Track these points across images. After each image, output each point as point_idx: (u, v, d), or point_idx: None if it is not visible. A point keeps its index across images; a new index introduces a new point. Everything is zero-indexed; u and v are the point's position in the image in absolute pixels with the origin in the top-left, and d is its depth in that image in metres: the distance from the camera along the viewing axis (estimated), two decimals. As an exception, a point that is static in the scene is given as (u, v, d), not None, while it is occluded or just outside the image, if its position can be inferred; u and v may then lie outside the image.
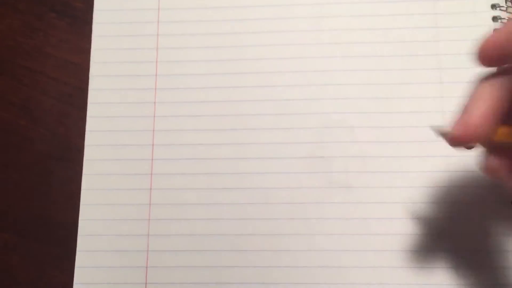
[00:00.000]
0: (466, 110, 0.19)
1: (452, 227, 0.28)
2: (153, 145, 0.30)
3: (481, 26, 0.30)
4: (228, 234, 0.29)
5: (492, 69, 0.20)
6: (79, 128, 0.31)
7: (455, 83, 0.29)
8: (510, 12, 0.30)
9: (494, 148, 0.20)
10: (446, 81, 0.30)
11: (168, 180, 0.30)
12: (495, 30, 0.21)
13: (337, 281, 0.28)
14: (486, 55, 0.19)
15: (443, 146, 0.20)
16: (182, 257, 0.29)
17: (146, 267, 0.29)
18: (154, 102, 0.31)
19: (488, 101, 0.19)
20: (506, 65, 0.19)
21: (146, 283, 0.29)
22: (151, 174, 0.30)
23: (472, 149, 0.20)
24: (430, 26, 0.31)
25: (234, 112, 0.31)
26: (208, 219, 0.29)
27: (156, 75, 0.31)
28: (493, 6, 0.30)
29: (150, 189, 0.30)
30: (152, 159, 0.30)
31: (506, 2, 0.30)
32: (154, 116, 0.31)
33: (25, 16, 0.33)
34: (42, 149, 0.31)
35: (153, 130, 0.31)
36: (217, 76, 0.31)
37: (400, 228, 0.28)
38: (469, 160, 0.28)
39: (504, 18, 0.30)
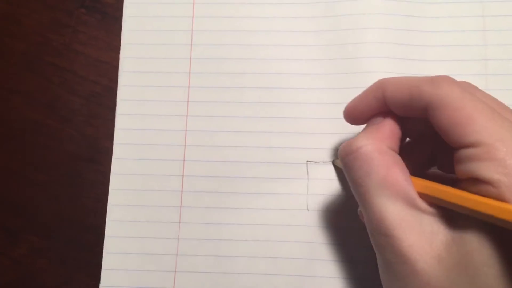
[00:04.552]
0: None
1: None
2: (185, 145, 0.29)
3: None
4: (260, 240, 0.28)
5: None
6: (108, 129, 0.30)
7: (501, 90, 0.28)
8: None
9: None
10: (492, 88, 0.29)
11: (201, 183, 0.29)
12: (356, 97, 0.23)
13: None
14: (348, 118, 0.24)
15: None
16: (212, 262, 0.28)
17: (175, 271, 0.28)
18: (187, 101, 0.30)
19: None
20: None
21: (174, 288, 0.28)
22: (183, 175, 0.29)
23: None
24: (478, 29, 0.29)
25: (269, 114, 0.29)
26: (240, 224, 0.28)
27: (189, 72, 0.30)
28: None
29: (181, 191, 0.29)
30: (184, 160, 0.29)
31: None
32: (187, 116, 0.30)
33: (54, 12, 0.32)
34: (70, 150, 0.30)
35: (186, 130, 0.30)
36: (253, 76, 0.30)
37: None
38: None
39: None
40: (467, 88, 0.20)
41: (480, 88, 0.28)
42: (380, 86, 0.22)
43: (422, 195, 0.19)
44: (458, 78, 0.28)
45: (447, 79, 0.20)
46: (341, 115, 0.28)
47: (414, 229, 0.18)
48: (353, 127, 0.28)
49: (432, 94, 0.19)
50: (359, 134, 0.21)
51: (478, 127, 0.18)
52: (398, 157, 0.21)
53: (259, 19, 0.31)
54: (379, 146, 0.20)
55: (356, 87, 0.29)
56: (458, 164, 0.18)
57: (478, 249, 0.17)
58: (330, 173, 0.28)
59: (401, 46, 0.29)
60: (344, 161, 0.21)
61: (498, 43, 0.29)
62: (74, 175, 0.30)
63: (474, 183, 0.18)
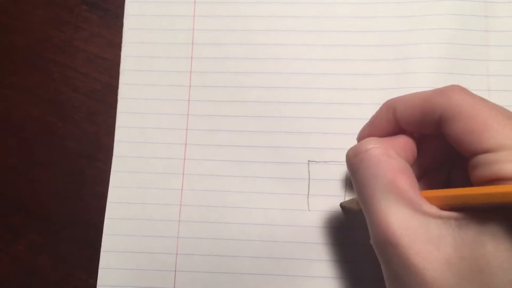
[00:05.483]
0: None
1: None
2: (186, 144, 0.29)
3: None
4: (260, 240, 0.28)
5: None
6: (108, 126, 0.30)
7: (503, 91, 0.28)
8: None
9: None
10: (494, 89, 0.28)
11: (201, 181, 0.29)
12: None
13: None
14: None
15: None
16: (213, 261, 0.28)
17: (175, 271, 0.28)
18: (188, 100, 0.30)
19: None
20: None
21: (174, 288, 0.28)
22: (183, 174, 0.29)
23: None
24: (480, 30, 0.29)
25: (270, 113, 0.29)
26: (241, 223, 0.28)
27: (190, 71, 0.30)
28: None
29: (182, 189, 0.29)
30: (184, 159, 0.29)
31: None
32: (188, 115, 0.30)
33: (56, 8, 0.32)
34: (71, 146, 0.30)
35: (186, 129, 0.30)
36: (254, 75, 0.30)
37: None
38: None
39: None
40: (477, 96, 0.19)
41: (482, 89, 0.28)
42: (389, 106, 0.21)
43: (434, 199, 0.19)
44: (459, 79, 0.28)
45: (456, 88, 0.19)
46: (343, 115, 0.29)
47: (421, 235, 0.18)
48: (357, 127, 0.28)
49: (444, 105, 0.19)
50: (369, 137, 0.21)
51: (495, 133, 0.18)
52: (406, 164, 0.20)
53: (260, 18, 0.30)
54: (388, 150, 0.20)
55: (357, 88, 0.29)
56: (476, 170, 0.18)
57: (494, 252, 0.17)
58: (331, 173, 0.28)
59: (404, 47, 0.29)
60: (351, 162, 0.21)
61: (500, 44, 0.29)
62: (75, 172, 0.30)
63: (495, 184, 0.17)
